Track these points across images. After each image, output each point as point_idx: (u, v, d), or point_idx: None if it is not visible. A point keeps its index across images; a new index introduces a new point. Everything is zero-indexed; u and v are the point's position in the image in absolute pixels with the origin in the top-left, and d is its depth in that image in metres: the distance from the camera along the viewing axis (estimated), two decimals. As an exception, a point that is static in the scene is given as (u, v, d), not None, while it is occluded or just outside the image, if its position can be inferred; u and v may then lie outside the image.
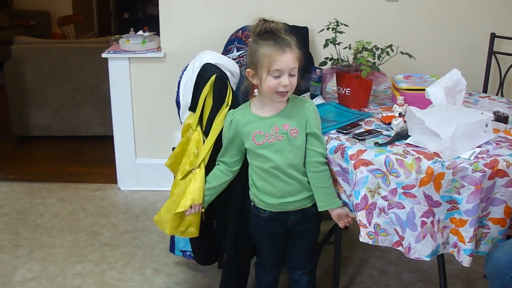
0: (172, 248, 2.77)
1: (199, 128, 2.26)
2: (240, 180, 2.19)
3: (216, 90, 2.17)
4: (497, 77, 3.31)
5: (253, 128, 2.04)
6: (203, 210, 2.17)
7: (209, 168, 2.20)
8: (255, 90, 2.10)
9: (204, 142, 2.23)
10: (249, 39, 2.04)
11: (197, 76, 2.28)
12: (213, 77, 2.18)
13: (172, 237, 2.75)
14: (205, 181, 2.17)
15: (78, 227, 3.26)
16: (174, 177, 2.38)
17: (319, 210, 2.08)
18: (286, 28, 2.01)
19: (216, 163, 2.18)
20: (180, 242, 2.69)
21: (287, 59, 1.93)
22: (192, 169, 2.20)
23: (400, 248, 1.99)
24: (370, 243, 2.00)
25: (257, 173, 2.09)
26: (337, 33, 2.51)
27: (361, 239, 1.99)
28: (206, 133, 2.23)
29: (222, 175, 2.16)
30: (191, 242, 2.52)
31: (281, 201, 2.07)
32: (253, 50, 1.97)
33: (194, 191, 2.15)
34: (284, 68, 1.93)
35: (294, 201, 2.07)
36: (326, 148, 2.08)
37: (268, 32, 1.96)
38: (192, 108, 2.35)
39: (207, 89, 2.20)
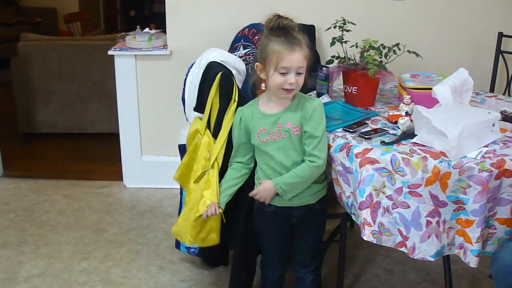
0: (178, 245, 2.78)
1: (208, 131, 2.25)
2: (249, 178, 2.19)
3: (222, 88, 2.17)
4: (504, 77, 3.30)
5: (258, 125, 2.05)
6: (221, 211, 2.12)
7: (223, 168, 2.18)
8: (262, 84, 2.11)
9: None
10: (262, 33, 2.04)
11: (202, 75, 2.28)
12: (219, 76, 2.18)
13: (178, 233, 2.76)
14: (220, 181, 2.15)
15: (84, 224, 3.27)
16: (182, 189, 2.35)
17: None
18: (300, 26, 2.01)
19: (229, 165, 2.18)
20: None
21: (295, 58, 1.93)
22: (205, 171, 2.19)
23: (403, 249, 1.98)
24: (374, 242, 1.99)
25: (261, 169, 2.10)
26: (344, 31, 2.51)
27: (365, 238, 1.99)
28: (215, 135, 2.23)
29: (237, 171, 2.15)
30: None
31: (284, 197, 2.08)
32: (264, 45, 1.98)
33: (209, 191, 2.13)
34: (291, 66, 1.93)
35: (297, 198, 2.08)
36: (332, 146, 2.08)
37: (280, 28, 1.97)
38: (197, 108, 2.35)
39: (213, 90, 2.19)
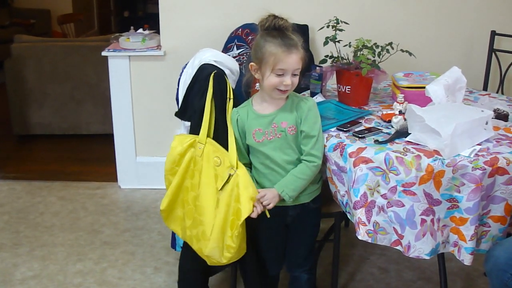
0: (173, 244, 2.77)
1: (208, 138, 2.13)
2: None
3: (216, 89, 2.15)
4: (497, 75, 3.31)
5: (253, 125, 2.05)
6: (265, 209, 2.03)
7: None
8: (257, 84, 2.10)
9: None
10: (256, 33, 2.03)
11: (193, 77, 2.25)
12: (212, 77, 2.15)
13: (173, 233, 2.74)
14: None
15: (79, 225, 3.26)
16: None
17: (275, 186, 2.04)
18: (294, 27, 2.01)
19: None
20: (181, 238, 2.67)
21: (292, 60, 1.94)
22: (230, 174, 2.02)
23: (398, 248, 1.99)
24: (369, 241, 1.99)
25: (257, 168, 2.10)
26: (337, 31, 2.51)
27: (359, 237, 1.99)
28: (216, 138, 2.14)
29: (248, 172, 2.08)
30: (180, 277, 2.43)
31: None
32: (260, 46, 1.97)
33: (250, 189, 1.99)
34: (288, 68, 1.94)
35: None
36: (325, 146, 2.08)
37: (276, 29, 1.97)
38: (180, 113, 2.30)
39: (209, 95, 2.14)
